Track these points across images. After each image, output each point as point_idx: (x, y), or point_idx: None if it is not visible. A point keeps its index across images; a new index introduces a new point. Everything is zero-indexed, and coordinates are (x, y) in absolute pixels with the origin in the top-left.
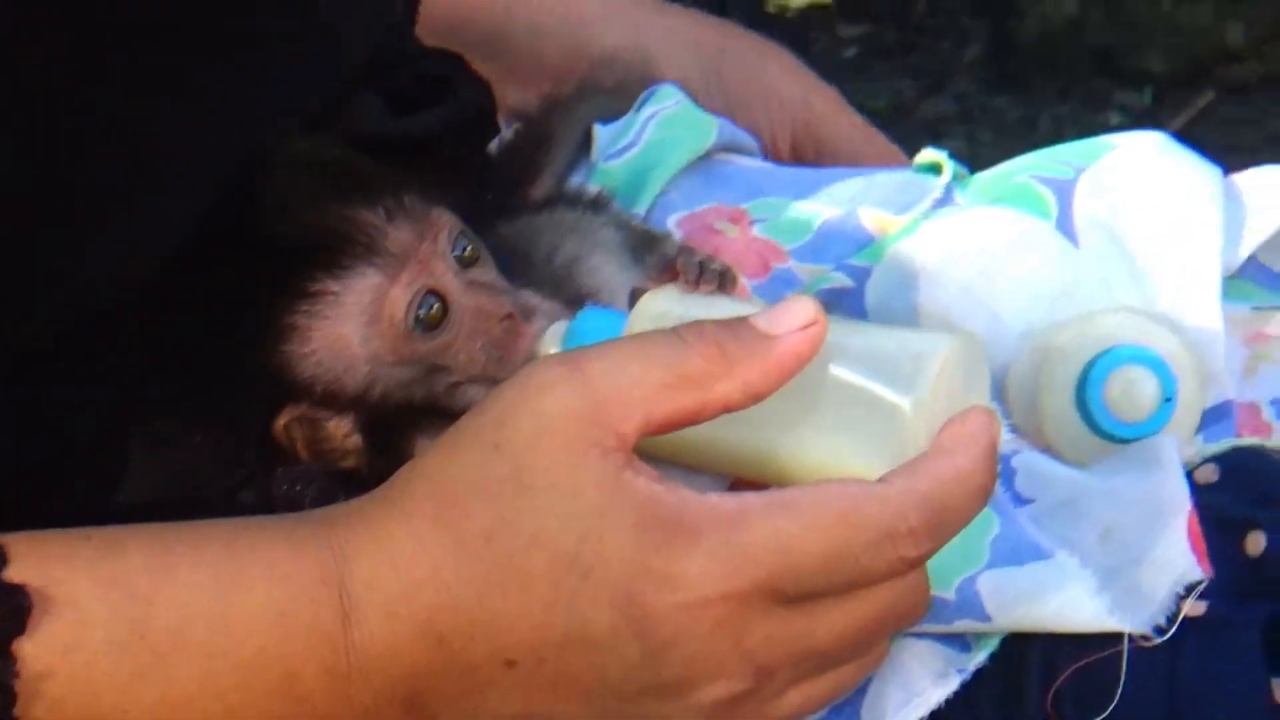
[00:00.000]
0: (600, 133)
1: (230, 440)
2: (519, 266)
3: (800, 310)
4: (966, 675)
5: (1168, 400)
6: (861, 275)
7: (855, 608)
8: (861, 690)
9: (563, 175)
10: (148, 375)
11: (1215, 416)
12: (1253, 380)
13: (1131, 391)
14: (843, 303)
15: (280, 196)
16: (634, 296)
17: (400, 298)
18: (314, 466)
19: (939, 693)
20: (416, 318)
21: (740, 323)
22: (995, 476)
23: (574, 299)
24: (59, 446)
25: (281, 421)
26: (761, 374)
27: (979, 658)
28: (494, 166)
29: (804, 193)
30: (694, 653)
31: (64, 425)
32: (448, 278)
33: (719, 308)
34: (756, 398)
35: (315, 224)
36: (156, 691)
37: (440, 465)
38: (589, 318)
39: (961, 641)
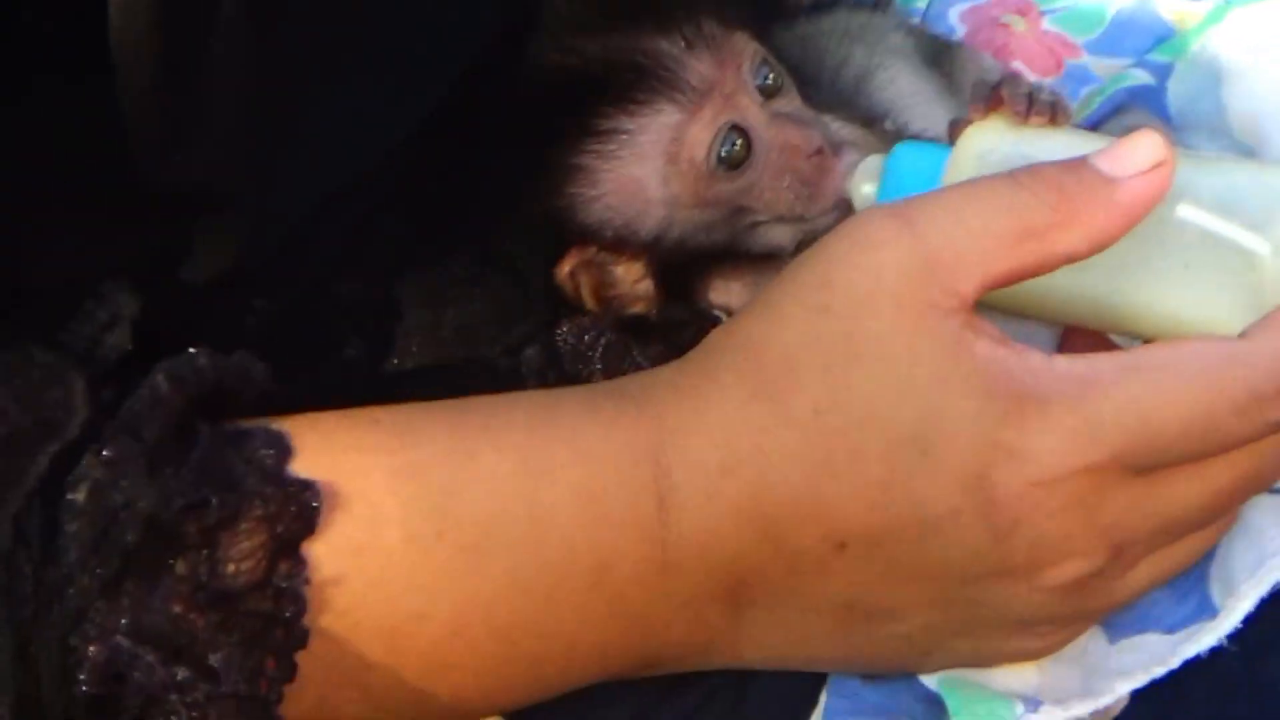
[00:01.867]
0: None
1: (512, 291)
2: (807, 82)
3: (1147, 148)
4: None
5: None
6: (1163, 72)
7: (1215, 474)
8: (1208, 556)
9: None
10: (421, 224)
11: None
12: None
13: None
14: (1144, 102)
15: (565, 23)
16: (953, 129)
17: (702, 136)
18: (600, 316)
19: None
20: (719, 157)
21: (1081, 164)
22: None
23: (869, 117)
24: (331, 309)
25: (567, 267)
26: (1107, 221)
27: None
28: None
29: None
30: (1045, 532)
31: (333, 286)
32: (752, 111)
33: (1051, 144)
34: (1101, 247)
35: (606, 54)
36: (459, 592)
37: (761, 330)
38: (906, 153)
39: None
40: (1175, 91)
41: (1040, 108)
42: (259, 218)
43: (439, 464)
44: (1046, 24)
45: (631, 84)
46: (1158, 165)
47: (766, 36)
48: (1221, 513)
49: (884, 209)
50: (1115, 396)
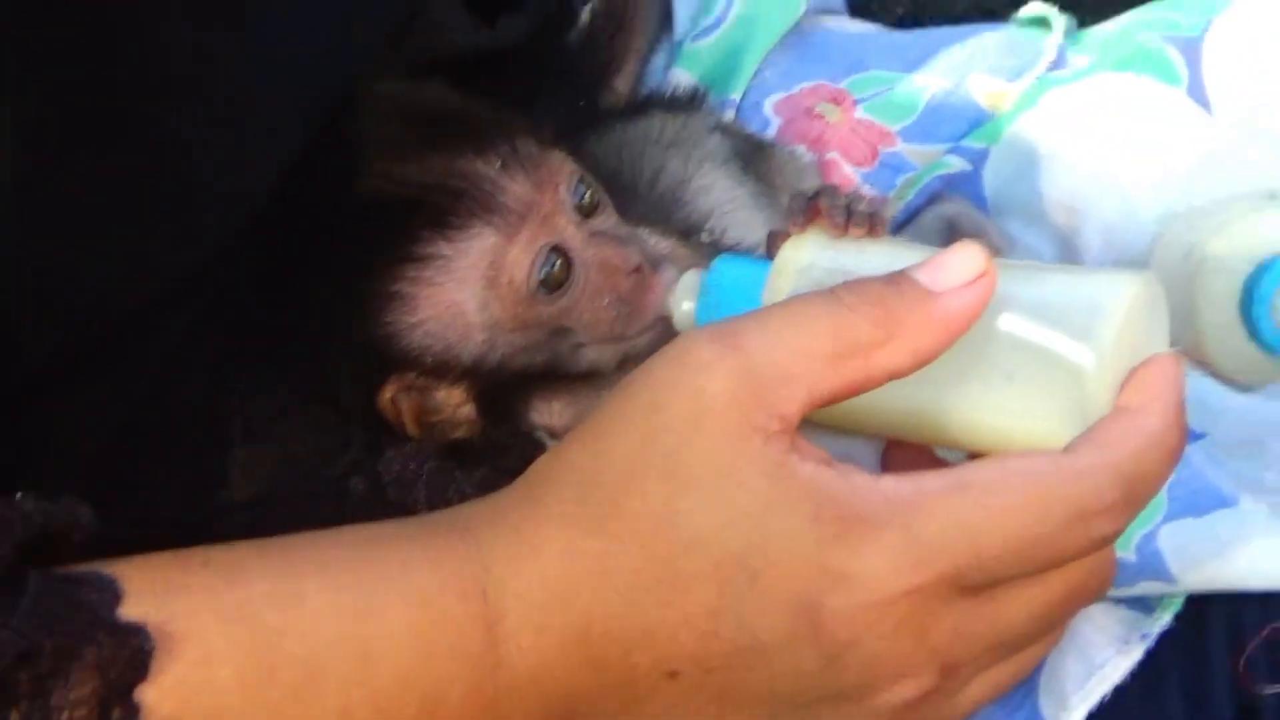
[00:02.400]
0: (680, 5)
1: (334, 420)
2: (621, 192)
3: (967, 261)
4: (1150, 640)
5: None
6: (978, 157)
7: (1044, 590)
8: (1038, 668)
9: (646, 58)
10: (240, 355)
11: None
12: None
13: None
14: (960, 189)
15: (380, 148)
16: (771, 242)
17: (521, 259)
18: (424, 443)
19: (1124, 663)
20: (539, 279)
21: (901, 278)
22: (1186, 432)
23: (686, 227)
24: (157, 442)
25: (388, 394)
26: (929, 336)
27: (1163, 619)
28: (576, 59)
29: (907, 63)
30: (876, 654)
31: (157, 418)
32: (570, 231)
33: (871, 256)
34: (925, 362)
35: (422, 179)
36: None
37: (587, 456)
38: (724, 269)
39: (1143, 603)
40: (991, 177)
41: (858, 219)
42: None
43: (268, 604)
44: (860, 112)
45: (448, 208)
46: (978, 277)
47: (583, 146)
48: (1052, 627)
49: (706, 331)
50: (942, 517)
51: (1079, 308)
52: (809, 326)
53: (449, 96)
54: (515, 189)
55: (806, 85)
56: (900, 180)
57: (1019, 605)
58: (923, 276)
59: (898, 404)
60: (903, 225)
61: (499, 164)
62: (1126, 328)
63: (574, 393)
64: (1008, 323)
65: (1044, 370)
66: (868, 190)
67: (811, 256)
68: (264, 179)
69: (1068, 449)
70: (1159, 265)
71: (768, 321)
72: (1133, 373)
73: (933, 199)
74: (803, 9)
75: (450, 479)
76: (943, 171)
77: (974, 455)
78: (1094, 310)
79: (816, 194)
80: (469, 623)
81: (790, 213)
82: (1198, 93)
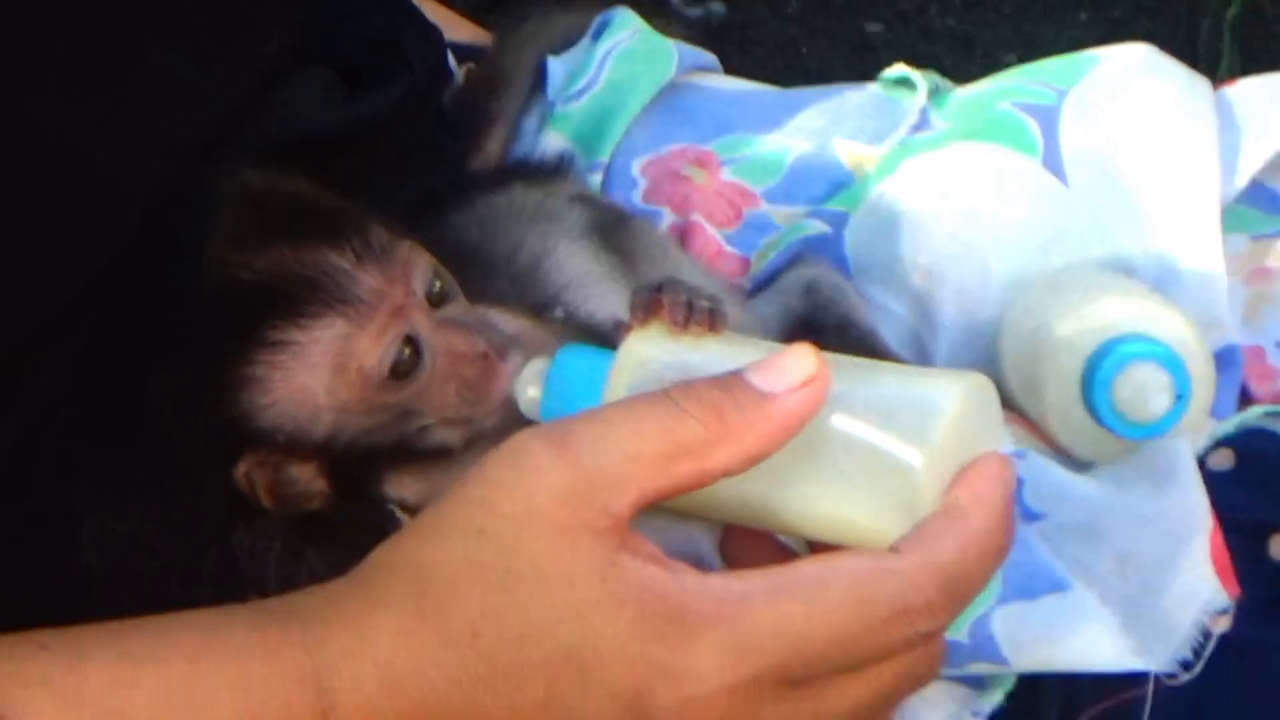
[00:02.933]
0: (554, 68)
1: (187, 497)
2: (479, 267)
3: (800, 364)
4: (983, 718)
5: (1180, 398)
6: (839, 221)
7: (868, 682)
8: None
9: (518, 120)
10: (88, 437)
11: (1223, 362)
12: (1256, 321)
13: (1143, 392)
14: (821, 251)
15: (236, 236)
16: (617, 332)
17: (371, 348)
18: (276, 523)
19: None
20: (387, 367)
21: (736, 380)
22: (1013, 532)
23: (541, 303)
24: (5, 515)
25: (242, 469)
26: (762, 438)
27: (995, 698)
28: (449, 118)
29: (772, 124)
30: None
31: (6, 491)
32: (420, 320)
33: (710, 354)
34: (756, 461)
35: (277, 268)
36: None
37: (421, 551)
38: (569, 359)
39: (977, 680)
40: (852, 240)
41: (699, 316)
42: None
43: (105, 692)
44: (726, 174)
45: (301, 298)
46: (811, 380)
47: (444, 220)
48: (877, 715)
49: (540, 432)
50: (767, 614)
51: (910, 408)
52: (642, 429)
53: (305, 188)
54: (367, 280)
55: (674, 147)
56: (763, 241)
57: (843, 696)
58: (756, 379)
59: (734, 496)
60: (764, 285)
61: (352, 255)
62: (956, 429)
63: (424, 468)
64: (841, 421)
65: (875, 468)
66: (731, 263)
67: (652, 351)
68: (97, 251)
69: (892, 548)
70: (1009, 335)
71: (601, 422)
72: (961, 471)
73: (794, 260)
74: (673, 71)
75: (301, 556)
76: (804, 234)
77: (811, 542)
78: (925, 411)
79: (659, 288)
80: (303, 711)
81: (632, 308)
82: (1054, 162)
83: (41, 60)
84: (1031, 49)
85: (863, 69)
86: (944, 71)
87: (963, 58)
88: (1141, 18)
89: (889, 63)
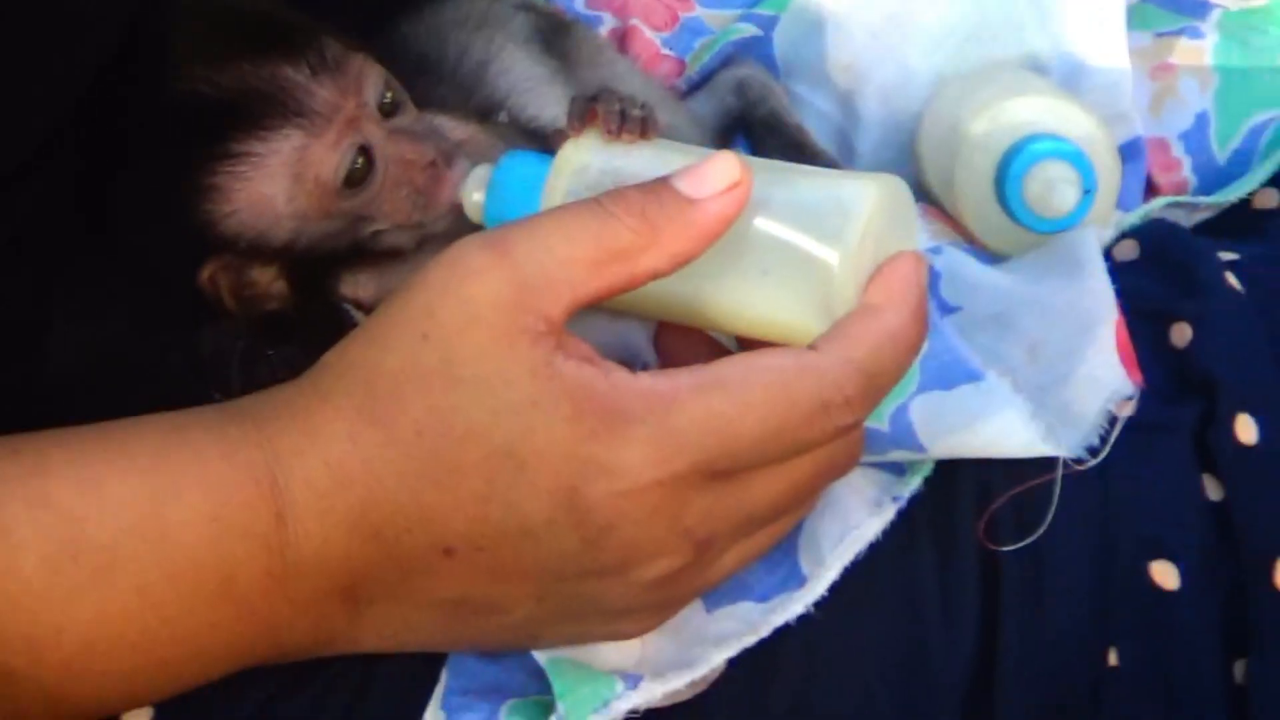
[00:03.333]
0: None
1: (156, 297)
2: (427, 75)
3: (723, 170)
4: (902, 502)
5: (1087, 192)
6: (769, 24)
7: (791, 472)
8: (796, 529)
9: None
10: (65, 241)
11: (1128, 154)
12: (1159, 115)
13: (1051, 188)
14: (752, 52)
15: (196, 53)
16: (553, 139)
17: (327, 158)
18: (239, 323)
19: (876, 523)
20: (342, 175)
21: (663, 187)
22: (926, 328)
23: (486, 107)
24: None
25: (206, 272)
26: (687, 241)
27: (914, 483)
28: None
29: None
30: (633, 537)
31: None
32: (373, 131)
33: (640, 159)
34: (683, 263)
35: (235, 82)
36: (93, 608)
37: (369, 355)
38: (510, 165)
39: (896, 467)
40: (780, 42)
41: (631, 124)
42: None
43: (70, 492)
44: None
45: (260, 111)
46: (733, 186)
47: (394, 31)
48: (801, 503)
49: (479, 239)
50: (693, 410)
51: (827, 210)
52: (575, 234)
53: (261, 3)
54: (321, 93)
55: None
56: (697, 43)
57: (767, 487)
58: (682, 185)
59: (665, 294)
60: (699, 85)
61: (307, 69)
62: (870, 229)
63: (378, 268)
64: (764, 223)
65: (795, 267)
66: (667, 65)
67: (587, 158)
68: (78, 76)
69: (811, 346)
70: (927, 133)
71: (536, 229)
72: (877, 270)
73: (727, 61)
74: None
75: (261, 355)
76: (736, 36)
77: (740, 339)
78: (841, 213)
79: (594, 97)
80: (260, 507)
81: (569, 116)
82: None
83: None
84: None
85: None
86: None
87: None
88: None
89: None
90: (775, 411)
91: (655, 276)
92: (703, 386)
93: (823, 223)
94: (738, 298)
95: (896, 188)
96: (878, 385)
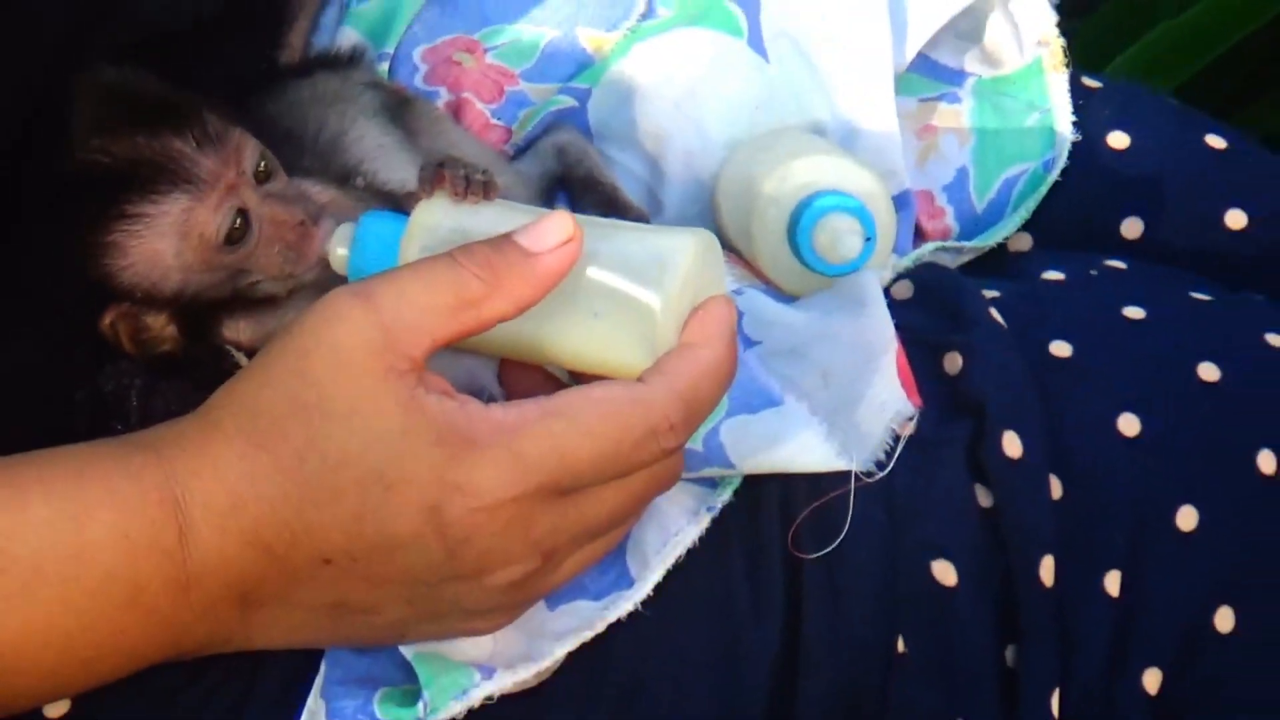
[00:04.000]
0: None
1: (62, 339)
2: (291, 145)
3: (558, 227)
4: (715, 512)
5: (868, 240)
6: (583, 95)
7: (622, 489)
8: (627, 535)
9: (318, 17)
10: None
11: (899, 204)
12: (925, 169)
13: (838, 238)
14: (569, 119)
15: (95, 127)
16: (407, 201)
17: (209, 219)
18: (137, 361)
19: (693, 530)
20: (223, 235)
21: (506, 242)
22: (736, 362)
23: (344, 174)
24: None
25: (107, 319)
26: (527, 289)
27: (725, 495)
28: (260, 18)
29: (525, 16)
30: (488, 547)
31: None
32: (249, 195)
33: (486, 218)
34: (525, 309)
35: (129, 152)
36: (20, 617)
37: (255, 392)
38: (370, 223)
39: (710, 482)
40: (594, 111)
41: (474, 187)
42: None
43: None
44: (490, 58)
45: (151, 178)
46: (567, 241)
47: (262, 106)
48: (631, 515)
49: (348, 289)
50: (537, 437)
51: (649, 262)
52: (432, 285)
53: (151, 83)
54: (205, 162)
55: (447, 38)
56: (522, 113)
57: (603, 502)
58: (523, 240)
59: (510, 334)
60: (524, 150)
61: (193, 141)
62: (686, 277)
63: (256, 315)
64: (594, 273)
65: (623, 311)
66: (496, 131)
67: (438, 218)
68: None
69: (640, 379)
70: (725, 190)
71: (398, 281)
72: (693, 313)
73: (548, 129)
74: None
75: (156, 390)
76: (556, 107)
77: (573, 372)
78: (660, 264)
79: (442, 164)
80: (164, 525)
81: (420, 181)
82: (756, 43)
83: None
84: None
85: None
86: None
87: None
88: None
89: None
90: (610, 437)
91: (501, 320)
92: (546, 416)
93: (645, 272)
94: (573, 338)
95: (708, 240)
96: (696, 412)
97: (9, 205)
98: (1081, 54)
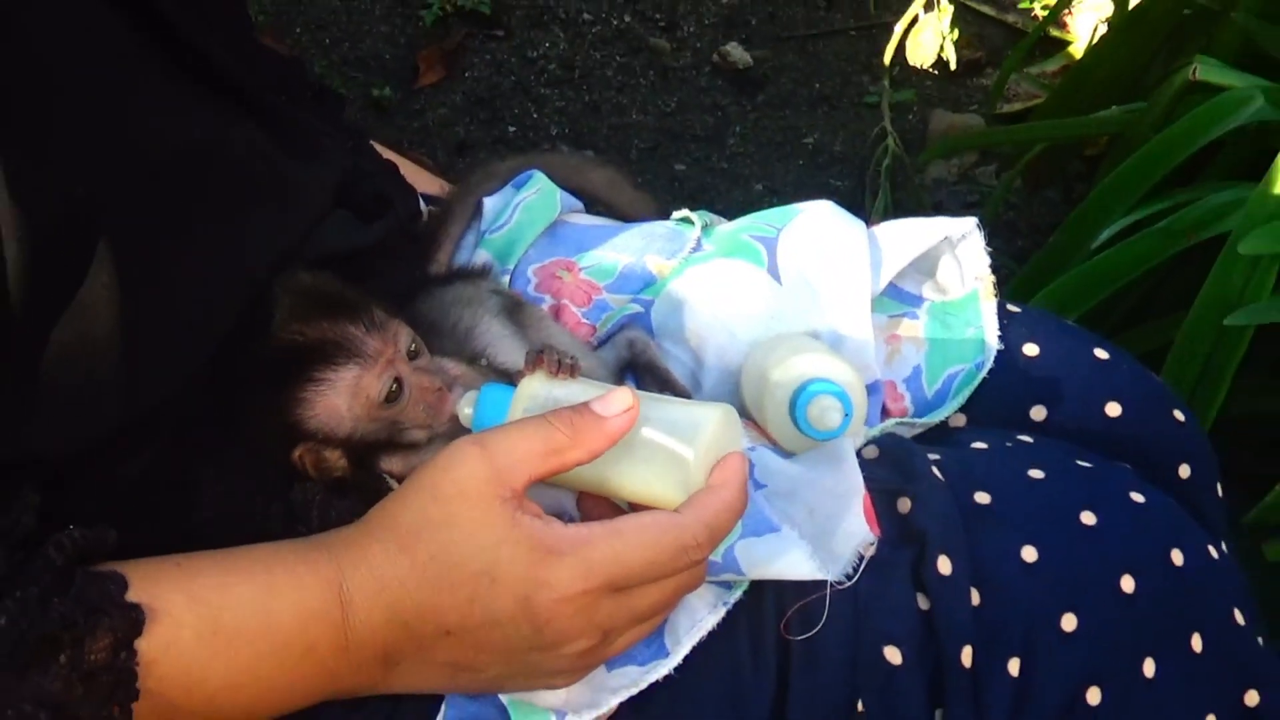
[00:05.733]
0: (487, 205)
1: (265, 470)
2: (435, 334)
3: (622, 399)
4: (729, 606)
5: (847, 416)
6: (648, 304)
7: (662, 589)
8: (664, 622)
9: (461, 241)
10: (211, 433)
11: (871, 390)
12: (890, 366)
13: (824, 413)
14: (638, 322)
15: (293, 315)
16: (516, 377)
17: (373, 385)
18: (317, 485)
19: (713, 618)
20: (382, 396)
21: (584, 408)
22: (747, 500)
23: (473, 356)
24: (154, 487)
25: (297, 453)
26: (598, 442)
27: (737, 594)
28: (418, 240)
29: (609, 245)
30: (564, 627)
31: (159, 471)
32: (402, 367)
33: (572, 390)
34: (596, 455)
35: (317, 334)
36: (224, 669)
37: (399, 509)
38: (489, 391)
39: (726, 585)
40: (655, 315)
41: (564, 368)
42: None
43: (213, 591)
44: (582, 275)
45: (333, 353)
46: (628, 409)
47: (416, 305)
48: (669, 606)
49: (471, 439)
50: (602, 549)
51: (688, 426)
52: (529, 437)
53: (334, 284)
54: (371, 342)
55: (552, 259)
56: (603, 316)
57: (648, 597)
58: (597, 407)
59: (585, 474)
60: (604, 342)
61: (363, 327)
62: (713, 438)
63: (405, 453)
64: (647, 432)
65: (666, 460)
66: (584, 327)
67: (536, 388)
68: (215, 337)
69: (677, 510)
70: (746, 376)
71: (506, 433)
72: (718, 463)
73: (622, 327)
74: (555, 215)
75: (331, 505)
76: (628, 311)
77: (630, 503)
78: (695, 428)
79: (542, 350)
80: (331, 604)
81: (526, 362)
82: (774, 271)
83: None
84: (772, 179)
85: (675, 198)
86: (719, 192)
87: (731, 184)
88: (836, 162)
89: (694, 193)
90: (654, 550)
91: (579, 464)
92: (608, 534)
93: (684, 433)
94: (630, 478)
95: (730, 412)
96: (718, 535)
97: (231, 372)
98: (1018, 289)
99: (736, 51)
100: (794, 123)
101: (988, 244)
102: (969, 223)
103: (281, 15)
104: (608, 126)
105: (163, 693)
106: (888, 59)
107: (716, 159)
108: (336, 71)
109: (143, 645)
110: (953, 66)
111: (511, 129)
